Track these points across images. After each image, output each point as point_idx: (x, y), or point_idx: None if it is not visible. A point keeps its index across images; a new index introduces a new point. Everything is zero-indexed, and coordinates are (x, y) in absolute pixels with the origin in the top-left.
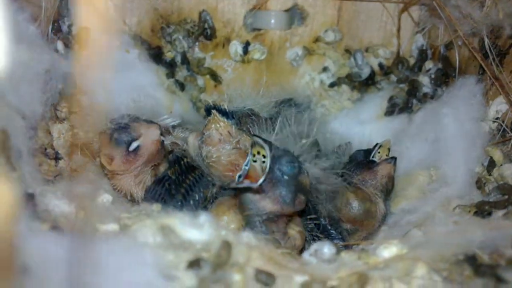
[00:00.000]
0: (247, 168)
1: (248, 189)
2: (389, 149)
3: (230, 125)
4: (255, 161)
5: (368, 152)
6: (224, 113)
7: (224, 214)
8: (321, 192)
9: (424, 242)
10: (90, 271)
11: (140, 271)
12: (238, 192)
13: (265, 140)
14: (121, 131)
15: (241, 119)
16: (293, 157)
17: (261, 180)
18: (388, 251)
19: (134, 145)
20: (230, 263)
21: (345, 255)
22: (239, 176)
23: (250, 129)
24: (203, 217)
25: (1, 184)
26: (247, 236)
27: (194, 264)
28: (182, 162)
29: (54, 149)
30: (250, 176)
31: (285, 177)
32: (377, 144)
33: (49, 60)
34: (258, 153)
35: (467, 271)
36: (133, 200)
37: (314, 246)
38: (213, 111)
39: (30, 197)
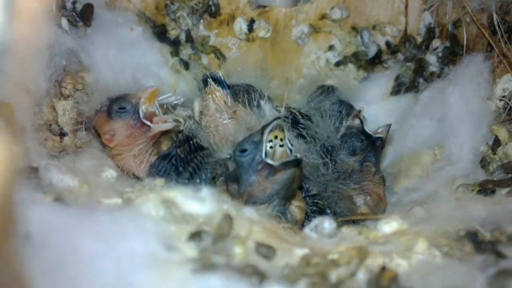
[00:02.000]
0: (262, 158)
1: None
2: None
3: (226, 95)
4: (271, 147)
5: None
6: (220, 82)
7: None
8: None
9: (426, 218)
10: (92, 239)
11: (142, 240)
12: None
13: (278, 118)
14: (120, 101)
15: (238, 92)
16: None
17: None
18: (389, 226)
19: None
20: (231, 236)
21: (345, 230)
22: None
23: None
24: (205, 191)
25: (2, 157)
26: (249, 211)
27: (196, 235)
28: (191, 142)
29: (59, 125)
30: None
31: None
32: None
33: (53, 36)
34: (276, 137)
35: (467, 247)
36: (137, 178)
37: (315, 221)
38: (209, 80)
39: (33, 170)
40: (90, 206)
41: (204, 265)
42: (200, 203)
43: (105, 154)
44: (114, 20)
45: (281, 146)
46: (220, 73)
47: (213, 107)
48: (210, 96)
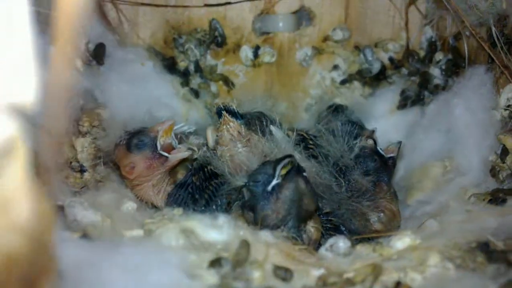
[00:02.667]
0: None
1: None
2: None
3: (239, 125)
4: None
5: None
6: (234, 114)
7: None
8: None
9: (438, 231)
10: (120, 273)
11: (166, 271)
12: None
13: (290, 156)
14: (139, 135)
15: (251, 121)
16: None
17: None
18: (402, 242)
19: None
20: (249, 261)
21: (360, 248)
22: None
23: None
24: (222, 218)
25: (36, 200)
26: (265, 235)
27: (215, 263)
28: (205, 169)
29: (78, 162)
30: None
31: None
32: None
33: (72, 79)
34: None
35: (479, 257)
36: (155, 208)
37: (330, 240)
38: (223, 112)
39: (60, 209)
40: (113, 240)
41: None
42: (217, 230)
43: (123, 186)
44: (125, 57)
45: None
46: (233, 105)
47: (228, 137)
48: (224, 126)
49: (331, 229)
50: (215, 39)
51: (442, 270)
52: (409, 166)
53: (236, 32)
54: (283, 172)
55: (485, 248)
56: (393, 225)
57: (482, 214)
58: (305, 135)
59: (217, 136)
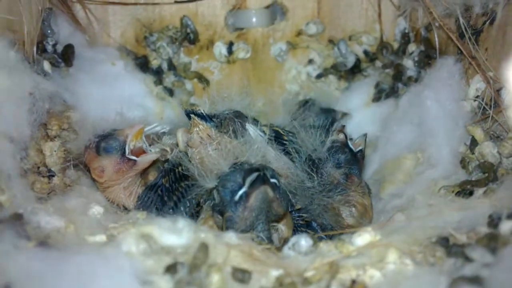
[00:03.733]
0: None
1: None
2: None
3: (209, 128)
4: None
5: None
6: (203, 117)
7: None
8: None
9: (400, 227)
10: (68, 284)
11: (116, 279)
12: None
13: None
14: (108, 139)
15: (223, 122)
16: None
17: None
18: (362, 238)
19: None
20: (208, 264)
21: (323, 246)
22: None
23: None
24: (182, 222)
25: None
26: (228, 236)
27: (171, 268)
28: (176, 171)
29: (47, 167)
30: None
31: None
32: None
33: (33, 83)
34: None
35: (439, 252)
36: (127, 210)
37: (292, 239)
38: (192, 116)
39: (17, 217)
40: (71, 247)
41: None
42: (177, 234)
43: (92, 190)
44: (95, 57)
45: None
46: (201, 109)
47: (197, 140)
48: (194, 129)
49: (302, 225)
50: (187, 36)
51: (400, 266)
52: (383, 159)
53: (209, 28)
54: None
55: (444, 242)
56: (365, 220)
57: (445, 208)
58: (280, 131)
59: (187, 138)
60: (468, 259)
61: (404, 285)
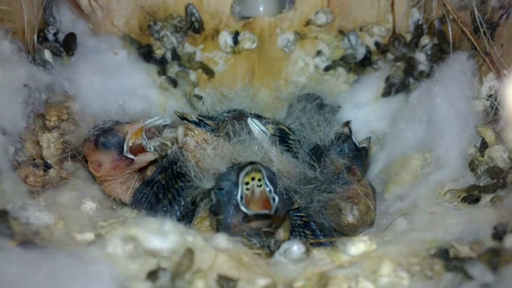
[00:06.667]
0: (238, 200)
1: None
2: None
3: (204, 132)
4: (248, 189)
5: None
6: (196, 124)
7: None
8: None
9: (398, 235)
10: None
11: (92, 285)
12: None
13: (253, 163)
14: (106, 134)
15: (221, 124)
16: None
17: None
18: (356, 248)
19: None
20: (192, 270)
21: (316, 253)
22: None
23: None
24: (168, 224)
25: None
26: (218, 240)
27: (152, 274)
28: (173, 168)
29: (43, 159)
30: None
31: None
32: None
33: (27, 74)
34: (253, 179)
35: (438, 265)
36: (123, 204)
37: (284, 245)
38: (185, 122)
39: (2, 214)
40: (54, 248)
41: None
42: (162, 237)
43: (88, 184)
44: (98, 46)
45: (259, 186)
46: (194, 116)
47: (192, 144)
48: (189, 132)
49: (300, 225)
50: (192, 25)
51: (395, 279)
52: (389, 157)
53: (214, 17)
54: (247, 179)
55: (444, 255)
56: (366, 220)
57: (447, 217)
58: (286, 129)
59: (183, 139)
60: (467, 276)
61: None
